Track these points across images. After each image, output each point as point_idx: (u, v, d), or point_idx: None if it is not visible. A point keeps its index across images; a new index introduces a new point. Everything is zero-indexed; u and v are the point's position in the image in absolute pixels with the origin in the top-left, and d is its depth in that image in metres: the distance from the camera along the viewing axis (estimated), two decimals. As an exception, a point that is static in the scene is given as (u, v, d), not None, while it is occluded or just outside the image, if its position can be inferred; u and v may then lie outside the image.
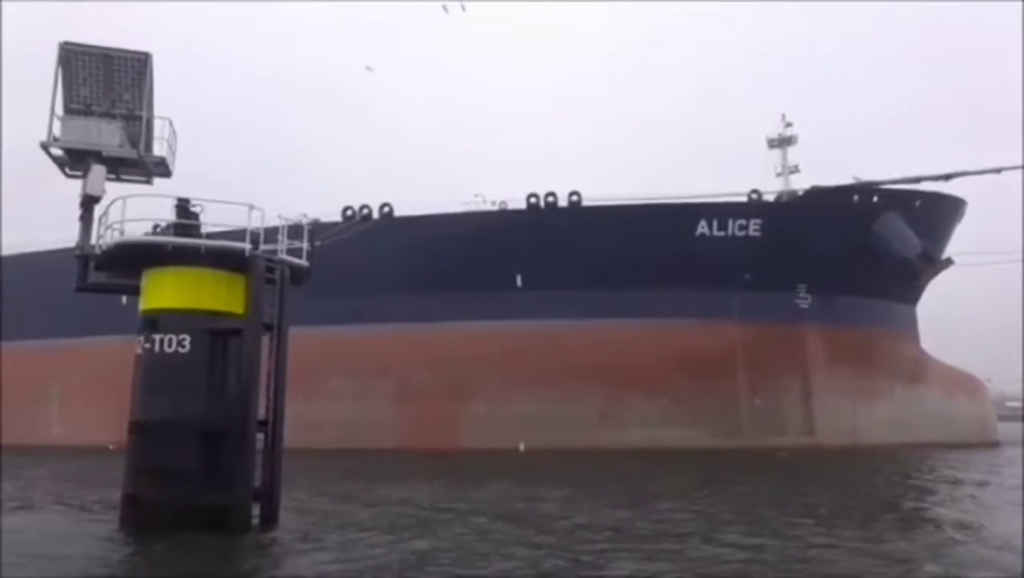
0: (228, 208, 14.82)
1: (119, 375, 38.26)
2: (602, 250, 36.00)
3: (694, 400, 36.29)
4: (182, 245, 14.20)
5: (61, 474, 25.80)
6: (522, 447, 34.20)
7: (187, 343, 14.02)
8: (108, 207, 14.35)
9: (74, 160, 14.74)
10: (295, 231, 15.97)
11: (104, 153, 14.51)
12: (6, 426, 37.48)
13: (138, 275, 14.66)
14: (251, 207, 14.72)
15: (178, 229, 14.53)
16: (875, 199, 38.17)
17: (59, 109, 14.64)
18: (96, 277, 14.86)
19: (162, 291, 14.41)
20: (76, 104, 14.59)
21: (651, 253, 35.87)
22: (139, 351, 14.37)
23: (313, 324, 34.26)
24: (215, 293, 14.57)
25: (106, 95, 14.81)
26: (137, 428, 14.19)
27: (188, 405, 13.95)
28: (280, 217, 15.41)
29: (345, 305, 35.56)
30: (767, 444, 34.67)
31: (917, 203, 38.69)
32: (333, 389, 36.21)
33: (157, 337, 14.10)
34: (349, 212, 42.67)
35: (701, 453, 32.53)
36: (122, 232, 14.21)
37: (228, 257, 14.52)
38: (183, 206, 14.64)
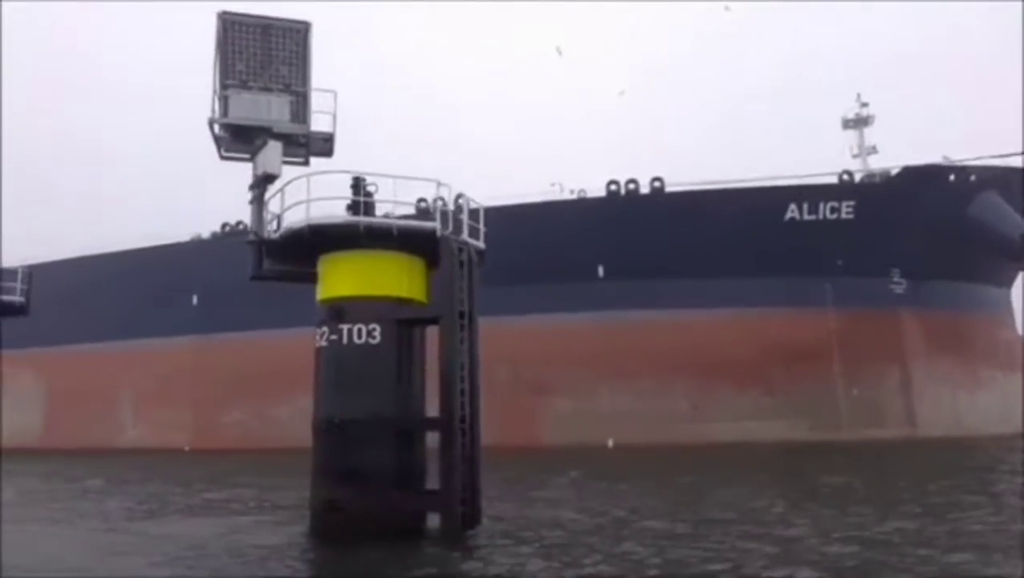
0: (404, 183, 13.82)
1: (190, 376, 38.42)
2: (687, 237, 34.93)
3: (788, 392, 34.97)
4: (376, 226, 13.17)
5: (192, 476, 25.62)
6: (611, 443, 33.21)
7: (377, 333, 13.08)
8: (284, 188, 13.35)
9: (237, 138, 13.71)
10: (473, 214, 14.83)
11: (275, 129, 13.45)
12: (83, 430, 38.04)
13: (310, 262, 13.65)
14: (439, 183, 13.74)
15: (355, 209, 13.51)
16: (972, 178, 36.86)
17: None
18: (268, 265, 13.78)
19: (345, 278, 13.38)
20: (232, 80, 13.56)
21: (739, 240, 34.78)
22: (323, 343, 13.27)
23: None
24: (399, 279, 13.63)
25: (264, 68, 13.78)
26: (327, 427, 13.15)
27: (386, 401, 13.05)
28: (463, 196, 14.20)
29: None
30: (867, 437, 33.39)
31: (1016, 181, 37.18)
32: None
33: (344, 327, 13.10)
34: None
35: (799, 447, 31.27)
36: (308, 213, 13.15)
37: (416, 239, 13.48)
38: (358, 185, 13.59)
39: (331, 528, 12.78)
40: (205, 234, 43.98)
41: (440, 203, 13.88)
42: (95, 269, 43.25)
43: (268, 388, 37.46)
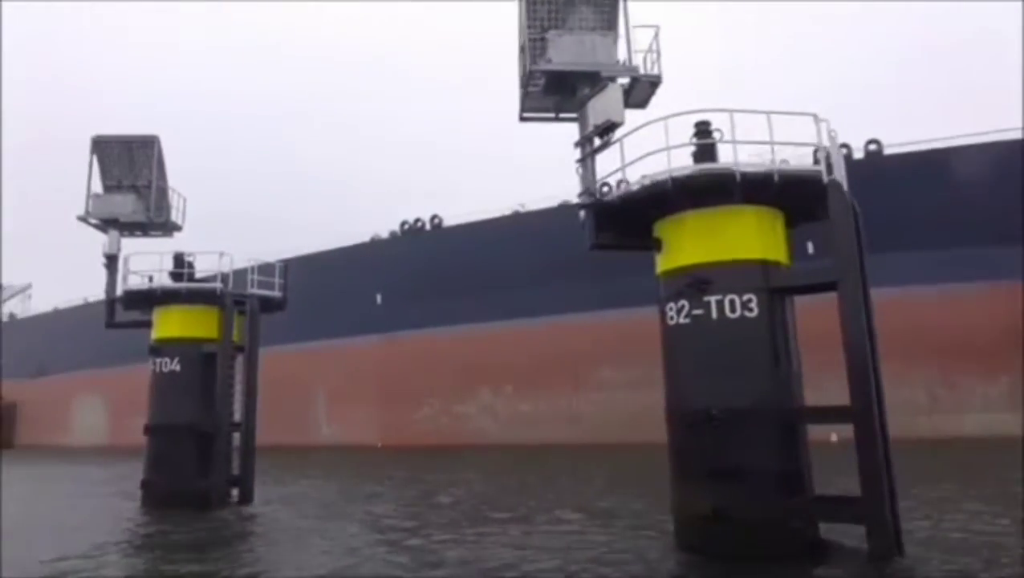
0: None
1: (378, 374, 44.87)
2: (913, 202, 31.32)
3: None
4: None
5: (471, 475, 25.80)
6: (834, 438, 31.72)
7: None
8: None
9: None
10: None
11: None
12: (285, 428, 41.53)
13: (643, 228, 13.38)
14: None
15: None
16: None
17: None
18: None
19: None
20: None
21: (976, 202, 30.64)
22: (682, 320, 11.56)
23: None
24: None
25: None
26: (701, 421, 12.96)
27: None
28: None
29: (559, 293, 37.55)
30: None
31: None
32: (603, 380, 37.20)
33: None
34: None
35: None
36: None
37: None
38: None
39: (715, 541, 10.65)
40: (384, 234, 47.21)
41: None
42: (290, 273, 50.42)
43: (453, 385, 40.95)
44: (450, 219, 44.23)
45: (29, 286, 79.20)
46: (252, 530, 15.20)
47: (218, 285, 18.52)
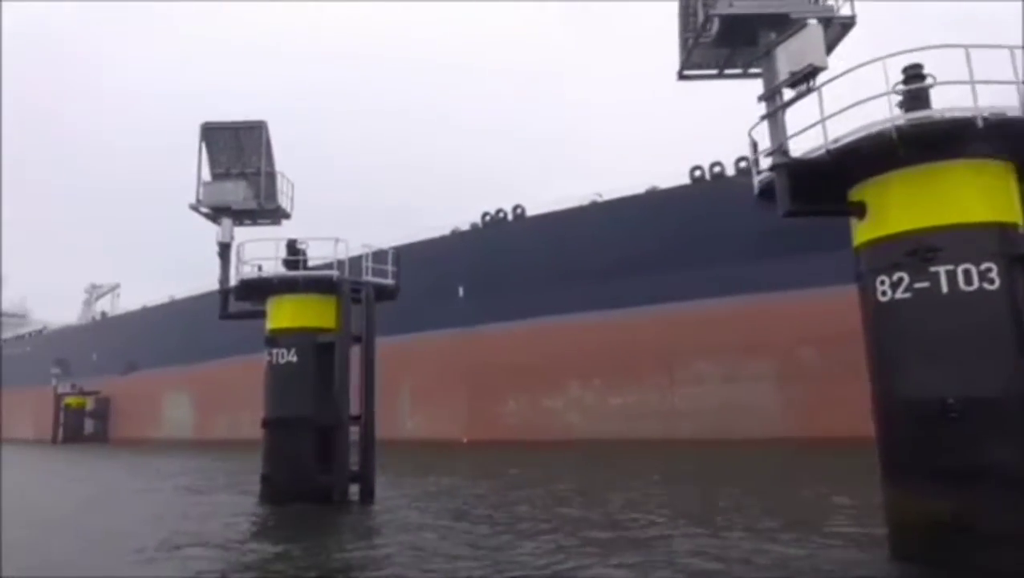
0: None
1: (462, 367, 43.63)
2: None
3: None
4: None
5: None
6: None
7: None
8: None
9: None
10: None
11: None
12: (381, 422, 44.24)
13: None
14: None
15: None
16: None
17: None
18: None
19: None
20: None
21: None
22: (901, 294, 10.14)
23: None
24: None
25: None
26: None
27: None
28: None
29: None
30: None
31: None
32: (699, 374, 35.18)
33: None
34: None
35: None
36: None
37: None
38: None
39: (950, 552, 8.94)
40: (464, 226, 45.65)
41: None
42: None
43: (539, 378, 39.18)
44: (533, 208, 42.77)
45: (117, 286, 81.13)
46: (408, 542, 12.56)
47: (335, 273, 17.48)
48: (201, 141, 19.29)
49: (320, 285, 17.69)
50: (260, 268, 18.69)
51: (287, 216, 19.79)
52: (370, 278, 18.10)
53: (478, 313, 43.11)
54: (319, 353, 17.62)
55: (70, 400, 64.44)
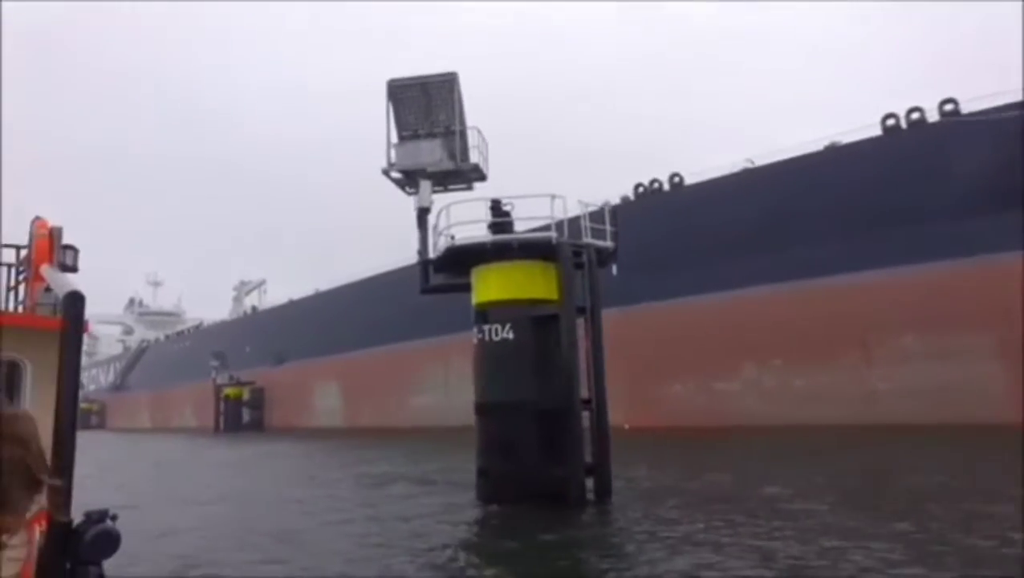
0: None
1: (620, 350, 40.60)
2: None
3: None
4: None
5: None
6: None
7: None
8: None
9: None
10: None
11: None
12: None
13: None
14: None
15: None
16: None
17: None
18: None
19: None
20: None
21: None
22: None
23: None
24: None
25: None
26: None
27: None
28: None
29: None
30: None
31: None
32: (903, 349, 30.41)
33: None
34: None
35: None
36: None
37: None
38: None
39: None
40: (614, 200, 40.91)
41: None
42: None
43: (709, 359, 35.96)
44: (691, 177, 38.86)
45: (263, 281, 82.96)
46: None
47: (552, 234, 14.79)
48: (388, 100, 17.05)
49: (536, 250, 15.06)
50: (452, 237, 16.30)
51: (483, 178, 17.30)
52: (590, 240, 15.32)
53: (636, 290, 39.77)
54: (537, 327, 15.03)
55: (228, 391, 65.82)
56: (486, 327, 15.35)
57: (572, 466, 14.09)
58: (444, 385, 49.02)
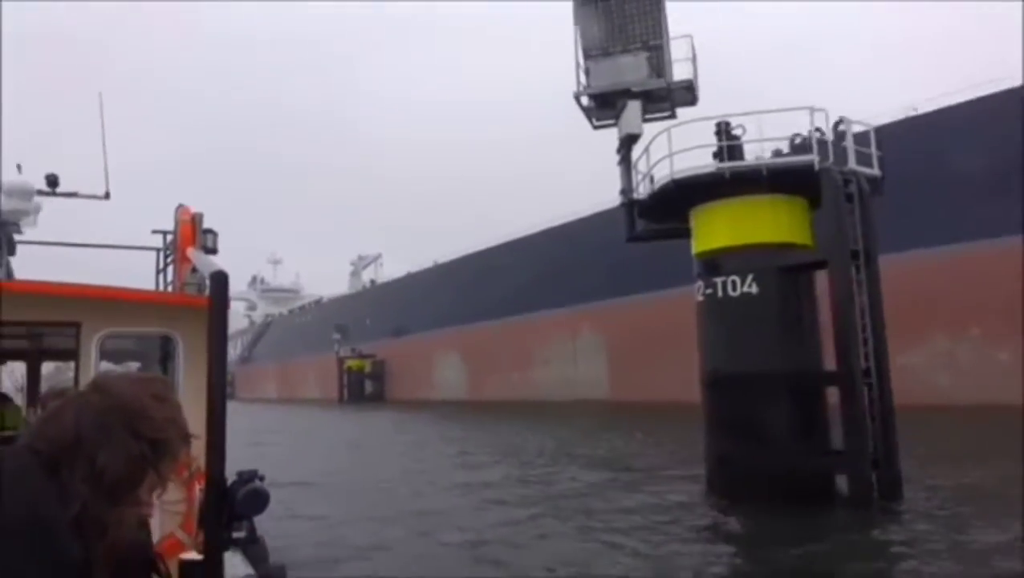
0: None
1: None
2: None
3: None
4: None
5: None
6: None
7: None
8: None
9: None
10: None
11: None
12: (646, 383, 35.32)
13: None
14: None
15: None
16: None
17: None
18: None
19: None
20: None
21: None
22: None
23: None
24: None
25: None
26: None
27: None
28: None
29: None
30: None
31: None
32: None
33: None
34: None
35: None
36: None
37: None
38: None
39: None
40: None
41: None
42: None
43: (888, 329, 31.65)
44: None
45: (380, 255, 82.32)
46: None
47: (815, 157, 11.24)
48: (575, 13, 13.78)
49: (789, 181, 11.55)
50: (651, 179, 12.99)
51: (694, 100, 13.80)
52: (858, 167, 11.64)
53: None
54: (785, 279, 11.57)
55: (351, 363, 65.27)
56: (718, 280, 11.97)
57: (854, 455, 10.59)
58: (573, 357, 46.09)
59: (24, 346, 7.23)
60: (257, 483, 1.95)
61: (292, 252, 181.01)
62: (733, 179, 11.54)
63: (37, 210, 7.29)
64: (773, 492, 10.80)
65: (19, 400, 7.44)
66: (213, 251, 5.70)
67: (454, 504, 12.44)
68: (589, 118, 14.28)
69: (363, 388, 64.10)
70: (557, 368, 46.59)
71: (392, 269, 74.08)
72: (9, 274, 6.76)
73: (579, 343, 45.50)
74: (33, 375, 7.92)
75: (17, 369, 8.03)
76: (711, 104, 13.26)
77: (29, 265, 6.97)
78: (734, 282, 11.70)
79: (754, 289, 11.53)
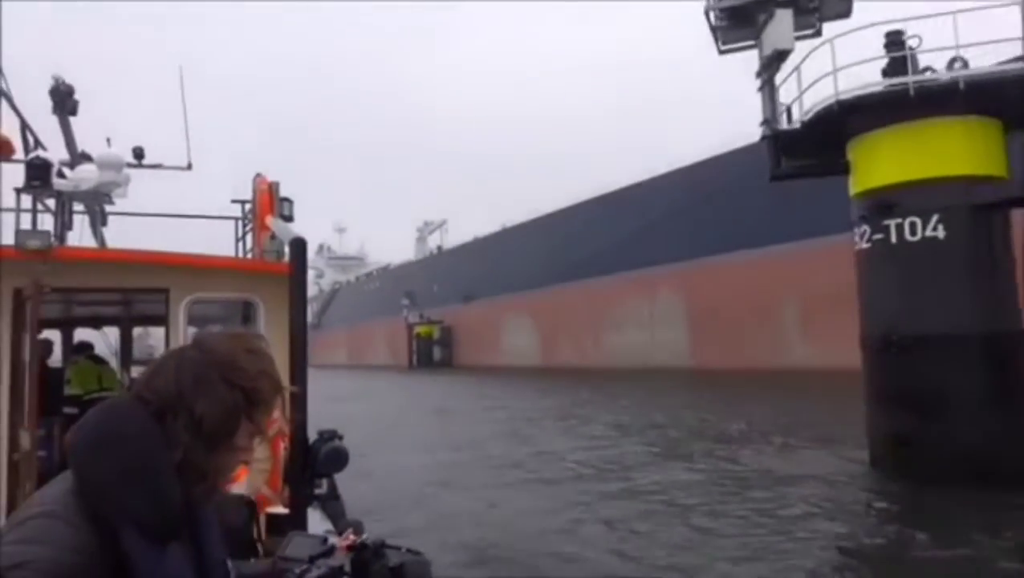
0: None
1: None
2: None
3: None
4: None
5: None
6: None
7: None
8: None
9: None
10: None
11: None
12: (732, 349, 33.97)
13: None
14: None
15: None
16: None
17: None
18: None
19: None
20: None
21: None
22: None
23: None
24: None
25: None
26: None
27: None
28: None
29: None
30: None
31: None
32: None
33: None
34: None
35: None
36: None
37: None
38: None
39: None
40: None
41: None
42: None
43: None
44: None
45: (445, 221, 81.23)
46: None
47: (1020, 67, 9.01)
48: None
49: (986, 99, 9.36)
50: (788, 112, 10.88)
51: (847, 12, 11.55)
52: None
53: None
54: (979, 220, 9.44)
55: (420, 329, 64.61)
56: (891, 222, 9.90)
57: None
58: (649, 322, 44.01)
59: (117, 313, 8.00)
60: (337, 442, 2.13)
61: (357, 220, 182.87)
62: (919, 97, 9.36)
63: (127, 181, 6.96)
64: (965, 474, 8.87)
65: (114, 363, 8.10)
66: (290, 219, 5.72)
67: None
68: (716, 40, 12.19)
69: (431, 354, 63.43)
70: (634, 333, 44.66)
71: (457, 236, 72.89)
72: (102, 244, 6.98)
73: (657, 306, 43.38)
74: (126, 339, 8.64)
75: (111, 334, 8.63)
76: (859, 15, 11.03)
77: (118, 236, 7.18)
78: (913, 225, 9.62)
79: (940, 232, 9.45)
